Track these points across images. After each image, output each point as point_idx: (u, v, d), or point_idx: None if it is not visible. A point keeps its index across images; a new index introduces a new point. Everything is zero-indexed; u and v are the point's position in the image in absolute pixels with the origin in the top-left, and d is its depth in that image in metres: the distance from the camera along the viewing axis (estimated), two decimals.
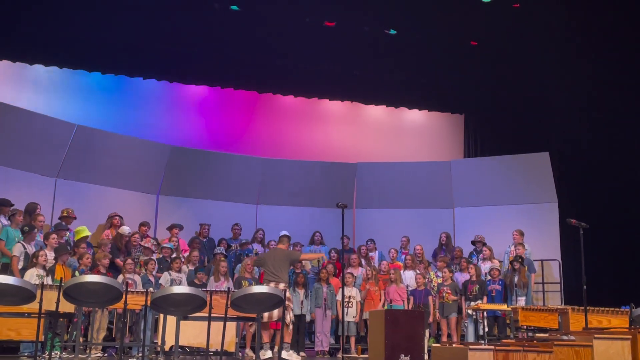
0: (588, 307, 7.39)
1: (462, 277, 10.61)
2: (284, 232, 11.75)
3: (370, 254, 11.67)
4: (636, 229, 12.18)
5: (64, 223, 9.96)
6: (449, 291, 10.16)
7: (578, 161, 12.93)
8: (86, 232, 9.91)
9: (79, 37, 12.14)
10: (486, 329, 9.71)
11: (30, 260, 8.48)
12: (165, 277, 9.56)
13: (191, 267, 10.21)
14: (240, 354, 8.92)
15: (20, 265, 8.66)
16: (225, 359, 7.82)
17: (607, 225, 11.96)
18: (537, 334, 6.53)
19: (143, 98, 13.75)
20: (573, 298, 10.35)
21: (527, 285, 10.23)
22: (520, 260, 10.36)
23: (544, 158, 12.30)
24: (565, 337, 5.68)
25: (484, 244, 11.27)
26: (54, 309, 6.44)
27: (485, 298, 10.05)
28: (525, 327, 8.41)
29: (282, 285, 8.51)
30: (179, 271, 9.75)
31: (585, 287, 7.00)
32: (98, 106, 13.17)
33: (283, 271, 8.86)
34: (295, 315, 10.07)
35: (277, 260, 8.91)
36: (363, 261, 11.20)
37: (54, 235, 9.08)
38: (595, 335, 5.64)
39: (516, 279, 10.24)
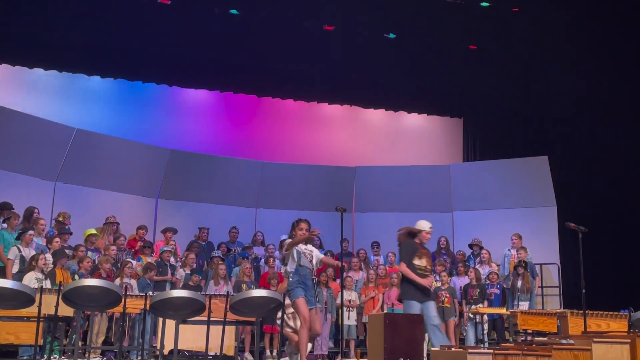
0: (587, 311, 7.40)
1: (459, 281, 10.61)
2: (285, 236, 11.79)
3: (375, 257, 11.68)
4: (635, 232, 12.19)
5: (67, 227, 9.97)
6: (447, 295, 10.16)
7: (577, 165, 12.95)
8: (92, 231, 9.99)
9: (79, 41, 12.16)
10: (485, 332, 9.72)
11: (29, 264, 8.47)
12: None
13: (187, 271, 10.20)
14: (239, 358, 8.91)
15: (17, 268, 8.64)
16: None
17: (606, 229, 11.98)
18: (536, 338, 6.53)
19: (142, 102, 13.77)
20: (572, 302, 10.36)
21: (530, 290, 10.23)
22: (524, 265, 10.37)
23: (543, 162, 12.32)
24: (564, 341, 5.68)
25: (481, 248, 11.28)
26: (53, 312, 6.44)
27: (486, 302, 10.05)
28: (524, 330, 8.41)
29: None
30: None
31: (584, 290, 7.01)
32: (97, 110, 13.19)
33: None
34: None
35: None
36: (363, 265, 11.20)
37: (58, 239, 9.08)
38: (594, 339, 5.64)
39: (519, 283, 10.24)
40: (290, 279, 7.17)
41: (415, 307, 7.06)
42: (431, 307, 7.14)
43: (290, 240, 7.41)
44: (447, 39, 13.28)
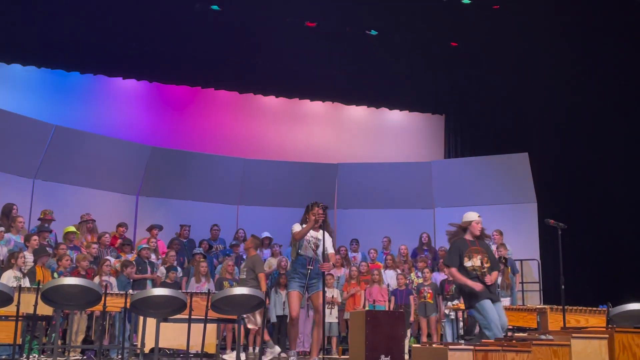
0: (566, 307, 7.46)
1: (439, 277, 10.67)
2: (267, 234, 11.79)
3: (353, 254, 11.69)
4: (613, 229, 12.32)
5: (47, 225, 9.87)
6: (430, 291, 10.20)
7: (557, 162, 13.06)
8: (71, 228, 9.91)
9: (58, 37, 12.04)
10: (461, 329, 9.78)
11: (8, 262, 8.37)
12: None
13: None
14: (220, 356, 8.88)
15: None
16: None
17: (585, 225, 12.09)
18: (516, 334, 6.59)
19: (122, 98, 13.65)
20: (552, 297, 10.46)
21: (510, 287, 10.29)
22: (504, 261, 10.42)
23: (523, 158, 12.41)
24: (543, 337, 5.71)
25: None
26: (31, 311, 6.37)
27: (462, 298, 10.08)
28: None
29: None
30: None
31: (563, 286, 7.06)
32: (77, 106, 13.05)
33: None
34: (277, 316, 10.08)
35: None
36: (344, 262, 11.20)
37: (35, 237, 8.99)
38: (573, 335, 5.67)
39: (500, 279, 10.29)
40: (289, 268, 7.11)
41: (490, 305, 6.43)
42: (499, 307, 6.58)
43: (298, 225, 7.12)
44: (429, 36, 13.33)
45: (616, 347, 5.76)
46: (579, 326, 7.42)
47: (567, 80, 12.70)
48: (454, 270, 6.64)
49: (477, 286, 6.48)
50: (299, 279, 6.97)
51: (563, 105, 13.06)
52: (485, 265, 6.64)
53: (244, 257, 11.17)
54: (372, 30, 13.41)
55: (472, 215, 6.87)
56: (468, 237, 6.75)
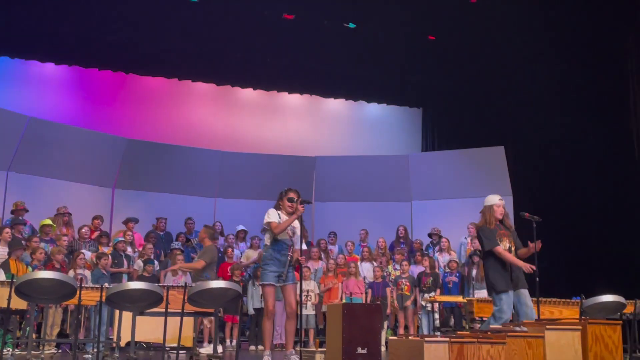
0: (540, 299, 7.54)
1: (417, 269, 10.74)
2: (241, 227, 11.76)
3: (331, 247, 11.71)
4: (587, 222, 12.46)
5: (21, 217, 9.75)
6: (407, 283, 10.27)
7: (532, 155, 13.18)
8: (47, 221, 9.80)
9: (32, 27, 11.85)
10: (437, 321, 9.86)
11: None
12: None
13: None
14: (197, 349, 8.86)
15: None
16: (183, 354, 7.78)
17: (560, 218, 12.20)
18: (491, 326, 6.65)
19: (98, 90, 13.52)
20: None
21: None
22: (479, 253, 10.49)
23: (499, 152, 12.52)
24: (517, 329, 5.77)
25: (440, 237, 11.43)
26: (5, 305, 6.29)
27: (438, 290, 10.18)
28: (480, 318, 8.55)
29: None
30: None
31: (537, 279, 7.13)
32: (51, 98, 12.91)
33: None
34: (255, 309, 10.08)
35: None
36: (322, 254, 11.23)
37: (8, 230, 8.88)
38: (547, 326, 5.74)
39: (474, 272, 10.37)
40: (264, 253, 6.79)
41: (509, 299, 6.39)
42: (525, 295, 6.48)
43: (273, 211, 6.86)
44: (407, 29, 13.35)
45: (589, 338, 5.86)
46: (553, 318, 7.52)
47: (543, 75, 12.79)
48: (499, 248, 6.54)
49: (525, 266, 6.47)
50: (275, 265, 6.70)
51: (539, 99, 13.16)
52: (512, 249, 6.65)
53: (221, 251, 11.14)
54: (350, 23, 13.39)
55: (493, 199, 6.78)
56: (492, 221, 6.68)
